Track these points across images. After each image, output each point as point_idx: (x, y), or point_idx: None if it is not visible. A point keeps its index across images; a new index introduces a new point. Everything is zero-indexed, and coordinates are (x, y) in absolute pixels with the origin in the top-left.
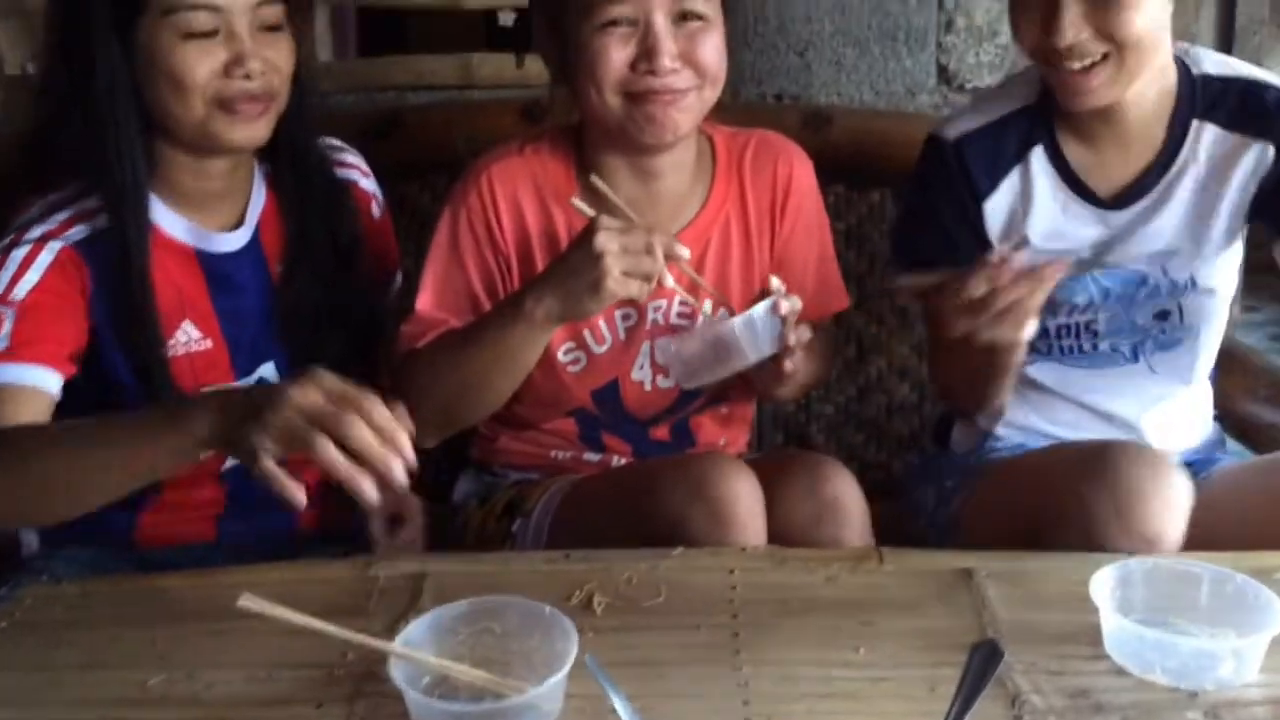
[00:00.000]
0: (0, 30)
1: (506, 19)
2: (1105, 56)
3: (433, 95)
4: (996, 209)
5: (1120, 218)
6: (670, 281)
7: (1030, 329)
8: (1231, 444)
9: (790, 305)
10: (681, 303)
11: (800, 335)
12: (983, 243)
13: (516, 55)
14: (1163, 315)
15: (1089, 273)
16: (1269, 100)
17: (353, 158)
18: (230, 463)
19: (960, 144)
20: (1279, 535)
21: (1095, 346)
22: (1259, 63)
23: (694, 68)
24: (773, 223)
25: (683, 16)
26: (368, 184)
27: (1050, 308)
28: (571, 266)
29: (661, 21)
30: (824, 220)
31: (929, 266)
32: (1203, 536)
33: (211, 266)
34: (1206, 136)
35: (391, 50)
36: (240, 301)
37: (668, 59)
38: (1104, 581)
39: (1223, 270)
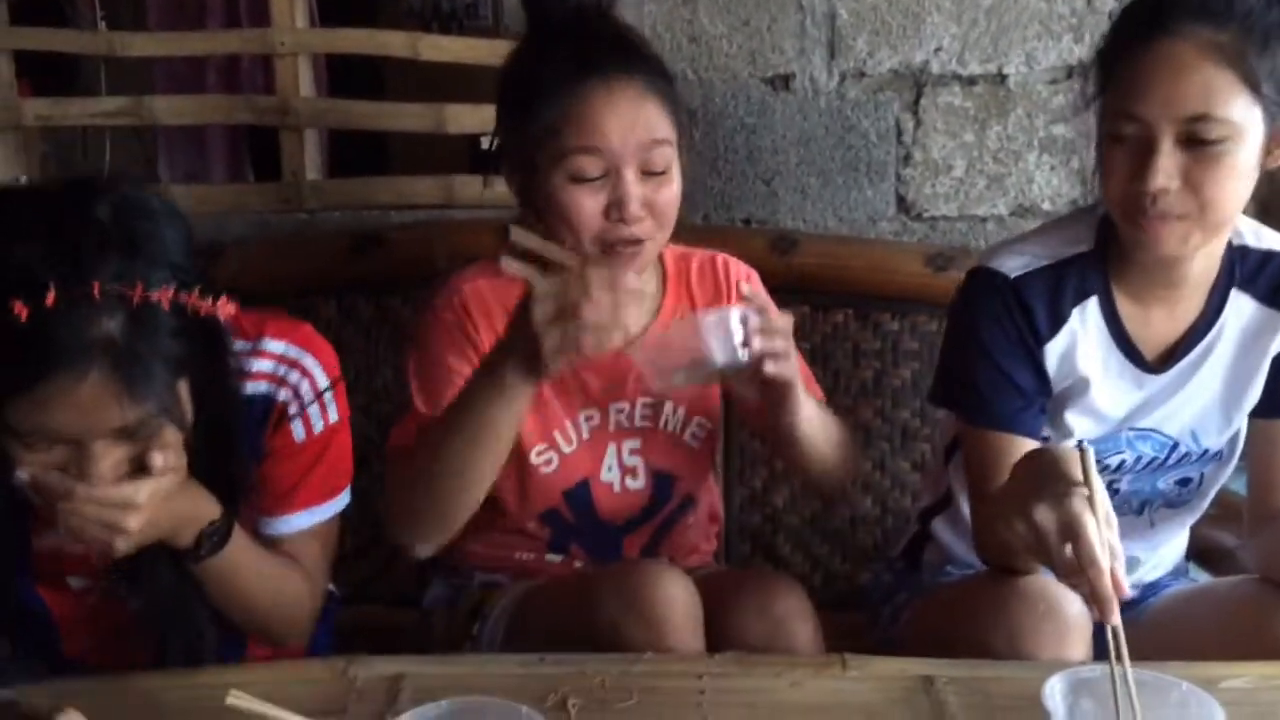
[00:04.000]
0: None
1: (489, 143)
2: (1180, 218)
3: (415, 214)
4: (1053, 353)
5: (1159, 381)
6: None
7: None
8: (1194, 569)
9: (762, 320)
10: (645, 405)
11: (775, 345)
12: (1044, 380)
13: (484, 179)
14: (1184, 482)
15: (1123, 432)
16: None
17: (295, 376)
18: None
19: (1020, 284)
20: (1223, 652)
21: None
22: None
23: (655, 217)
24: None
25: (647, 168)
26: (298, 407)
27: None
28: (517, 342)
29: (631, 173)
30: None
31: (986, 402)
32: (1156, 649)
33: None
34: (1244, 307)
35: (373, 170)
36: None
37: (636, 206)
38: (1055, 689)
39: (1234, 447)
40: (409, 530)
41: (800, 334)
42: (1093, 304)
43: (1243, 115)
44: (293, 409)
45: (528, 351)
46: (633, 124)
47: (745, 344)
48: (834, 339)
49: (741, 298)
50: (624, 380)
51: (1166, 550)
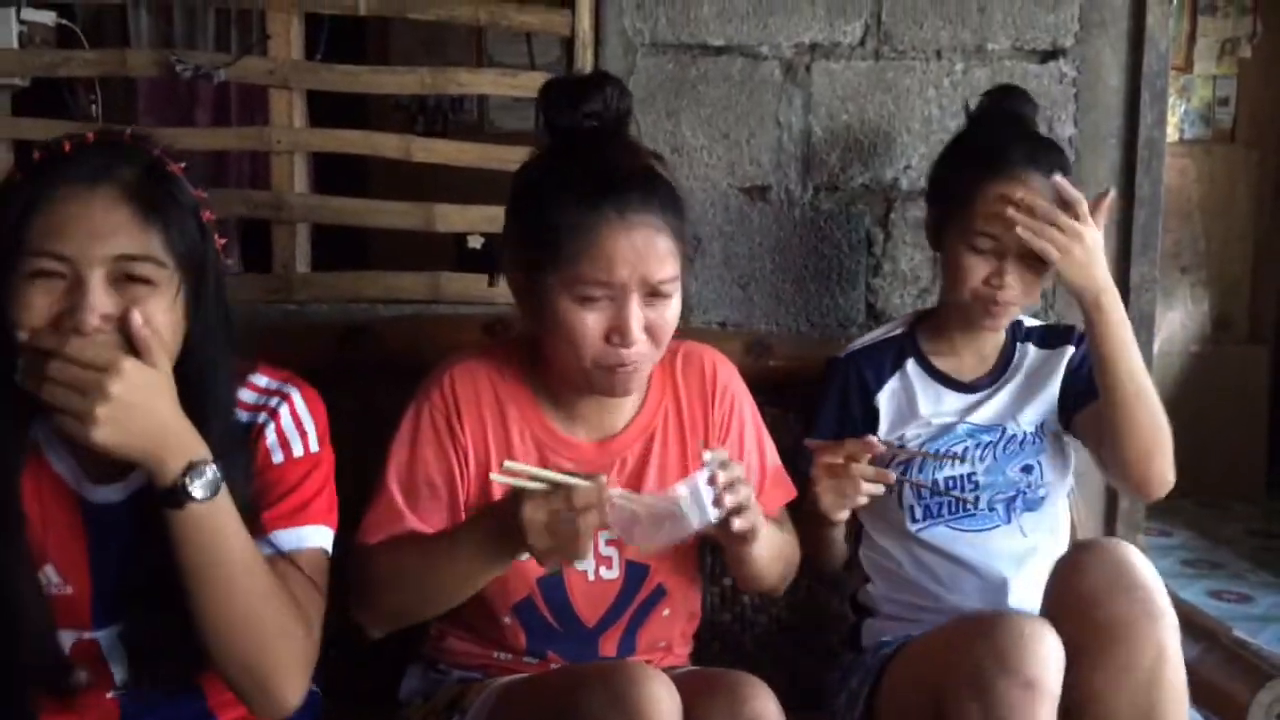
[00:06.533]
0: None
1: (475, 241)
2: (1015, 304)
3: (402, 309)
4: (885, 401)
5: (976, 396)
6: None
7: (844, 514)
8: None
9: (727, 474)
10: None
11: (740, 496)
12: (874, 430)
13: (490, 275)
14: (1028, 469)
15: (958, 426)
16: (1060, 329)
17: (275, 400)
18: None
19: (853, 356)
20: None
21: (977, 501)
22: (1151, 316)
23: (653, 338)
24: (706, 416)
25: (651, 294)
26: (274, 427)
27: (937, 461)
28: (511, 539)
29: (636, 301)
30: (758, 418)
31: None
32: None
33: (93, 515)
34: (1030, 351)
35: (353, 263)
36: (120, 556)
37: (637, 331)
38: None
39: (1059, 447)
40: (373, 622)
41: (773, 434)
42: (911, 363)
43: None
44: (269, 429)
45: (516, 539)
46: (644, 260)
47: (716, 503)
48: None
49: (720, 391)
50: (606, 472)
51: (1044, 575)
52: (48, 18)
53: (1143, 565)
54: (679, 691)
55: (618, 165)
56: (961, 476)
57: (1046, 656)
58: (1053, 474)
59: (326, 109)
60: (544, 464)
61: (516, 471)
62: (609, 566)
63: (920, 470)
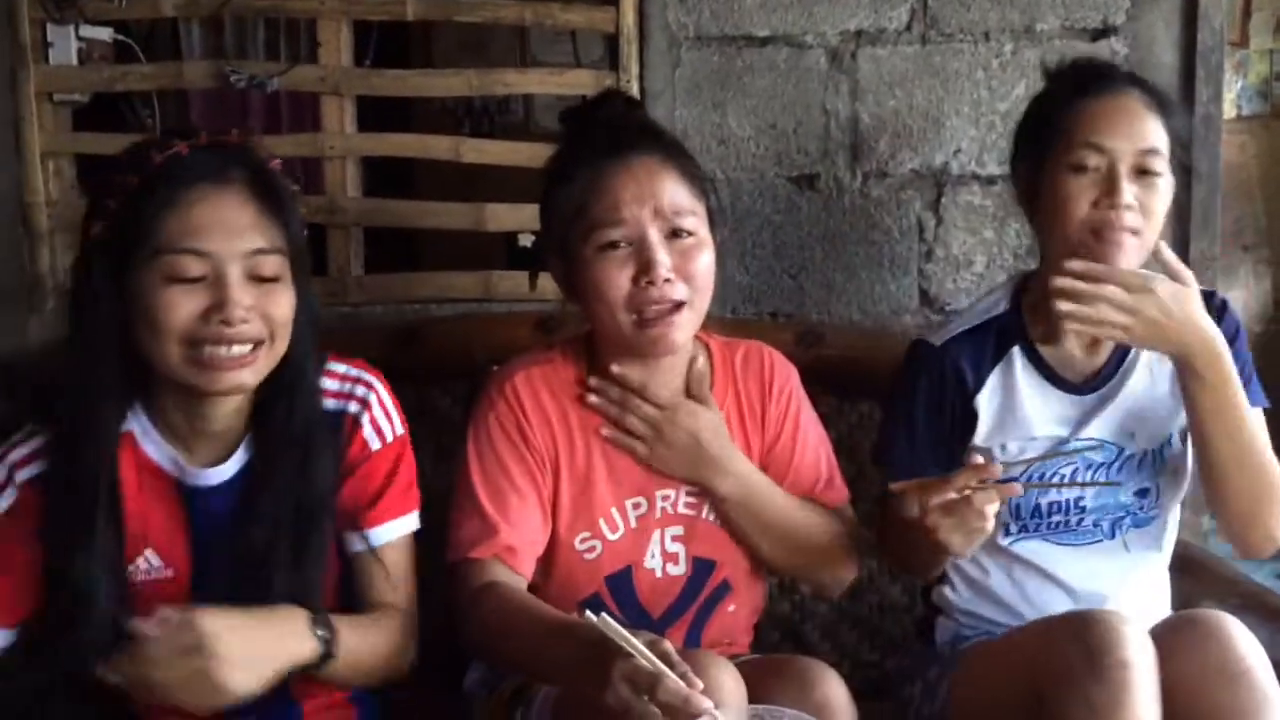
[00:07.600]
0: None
1: (526, 240)
2: (1135, 233)
3: (455, 308)
4: (985, 403)
5: (1090, 399)
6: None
7: (974, 548)
8: None
9: None
10: (689, 492)
11: None
12: (958, 432)
13: (530, 276)
14: (1143, 493)
15: (1071, 442)
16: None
17: (362, 389)
18: None
19: (948, 346)
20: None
21: (1080, 522)
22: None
23: (685, 281)
24: (764, 413)
25: (673, 234)
26: (368, 416)
27: (1041, 479)
28: (593, 678)
29: (655, 237)
30: (814, 417)
31: (921, 468)
32: None
33: (193, 499)
34: None
35: (402, 264)
36: (219, 535)
37: (663, 269)
38: None
39: (1179, 462)
40: (465, 643)
41: (827, 424)
42: (1016, 353)
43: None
44: (364, 418)
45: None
46: (650, 193)
47: None
48: (860, 429)
49: (778, 389)
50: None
51: (1148, 589)
52: (105, 34)
53: (1247, 645)
54: (745, 678)
55: (622, 127)
56: (1068, 500)
57: (1138, 641)
58: (1168, 494)
59: (371, 114)
60: (608, 462)
61: (610, 626)
62: (675, 562)
63: (1023, 492)
